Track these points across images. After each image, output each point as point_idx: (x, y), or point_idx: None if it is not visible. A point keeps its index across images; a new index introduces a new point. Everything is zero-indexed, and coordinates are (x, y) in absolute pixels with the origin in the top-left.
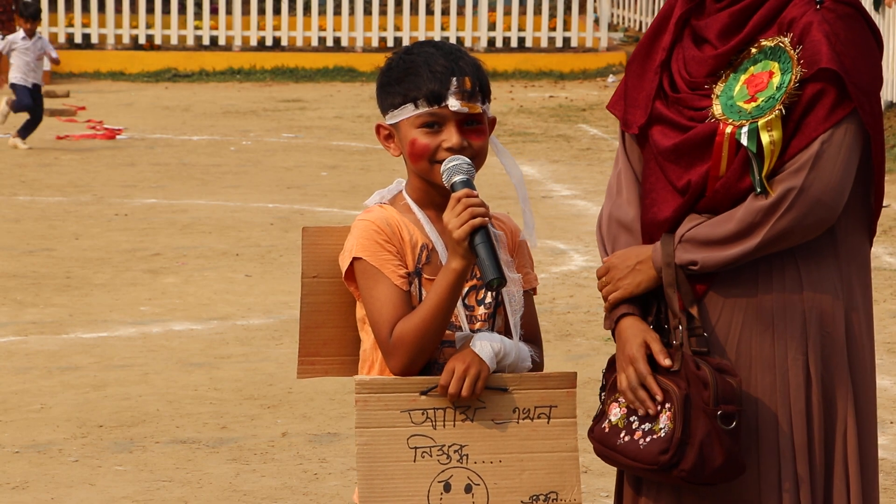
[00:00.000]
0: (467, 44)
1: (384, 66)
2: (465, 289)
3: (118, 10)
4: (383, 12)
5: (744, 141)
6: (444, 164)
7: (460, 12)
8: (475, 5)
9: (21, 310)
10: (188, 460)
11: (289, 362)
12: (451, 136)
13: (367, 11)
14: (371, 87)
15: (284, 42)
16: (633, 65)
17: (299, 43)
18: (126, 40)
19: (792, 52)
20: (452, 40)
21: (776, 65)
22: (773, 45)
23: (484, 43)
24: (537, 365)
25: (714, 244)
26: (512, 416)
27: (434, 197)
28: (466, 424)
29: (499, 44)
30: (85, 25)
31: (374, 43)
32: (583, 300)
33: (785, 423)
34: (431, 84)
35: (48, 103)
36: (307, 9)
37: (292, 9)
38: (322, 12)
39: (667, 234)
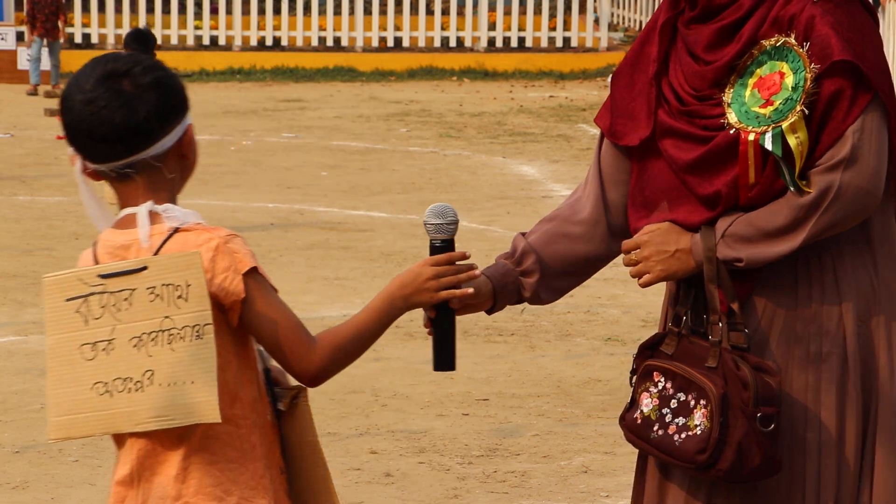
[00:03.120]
0: (467, 44)
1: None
2: None
3: (118, 10)
4: (383, 12)
5: (768, 146)
6: (429, 215)
7: (460, 12)
8: (475, 5)
9: (21, 310)
10: None
11: None
12: None
13: (367, 11)
14: (371, 87)
15: (284, 42)
16: (621, 77)
17: (299, 43)
18: None
19: (800, 50)
20: (452, 40)
21: (785, 64)
22: (776, 44)
23: (484, 43)
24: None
25: (759, 241)
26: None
27: None
28: None
29: (499, 44)
30: (85, 25)
31: (374, 43)
32: (583, 300)
33: (814, 421)
34: None
35: (48, 103)
36: (307, 9)
37: (292, 9)
38: (322, 12)
39: (706, 227)
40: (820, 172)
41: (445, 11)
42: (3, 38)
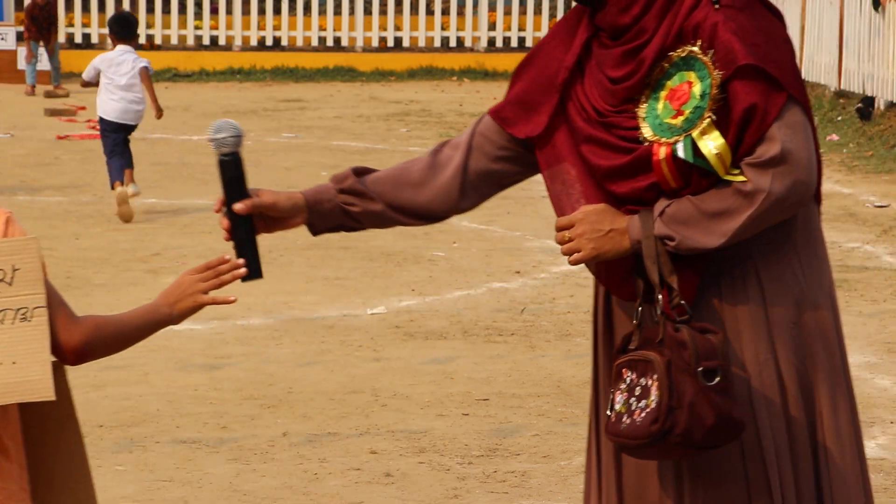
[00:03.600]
0: (467, 43)
1: None
2: None
3: (118, 10)
4: (383, 12)
5: (681, 154)
6: (211, 131)
7: (460, 12)
8: (475, 5)
9: None
10: (188, 460)
11: (289, 362)
12: None
13: (367, 11)
14: (371, 87)
15: (284, 42)
16: (527, 69)
17: (299, 43)
18: None
19: (704, 58)
20: (452, 40)
21: (692, 74)
22: (683, 55)
23: (484, 43)
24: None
25: (695, 222)
26: None
27: None
28: None
29: (499, 44)
30: (85, 25)
31: (374, 43)
32: (583, 300)
33: (766, 429)
34: None
35: (48, 103)
36: (307, 9)
37: (292, 9)
38: (322, 12)
39: (645, 209)
40: (753, 169)
41: (445, 11)
42: (3, 38)
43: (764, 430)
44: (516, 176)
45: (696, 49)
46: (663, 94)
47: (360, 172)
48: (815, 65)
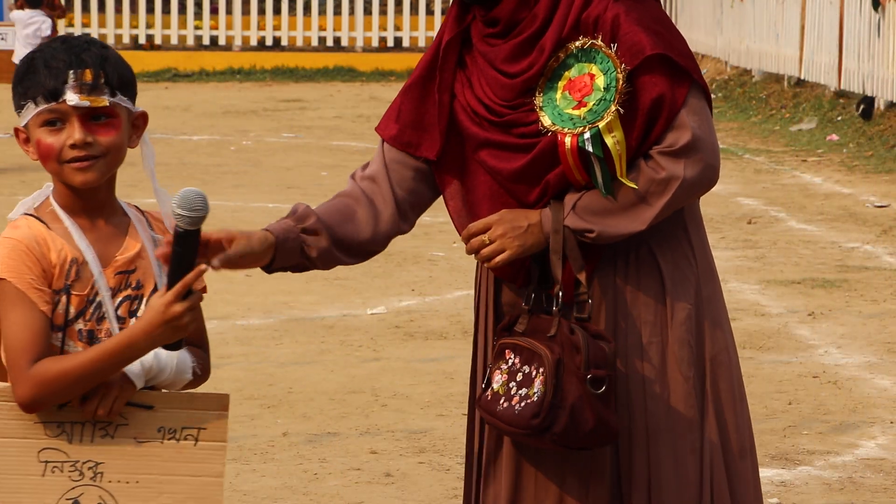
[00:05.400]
0: None
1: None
2: (119, 299)
3: (118, 10)
4: (383, 12)
5: (589, 147)
6: (178, 205)
7: None
8: None
9: None
10: None
11: (289, 362)
12: (73, 133)
13: (367, 11)
14: (371, 87)
15: (284, 42)
16: (414, 90)
17: (299, 43)
18: (126, 40)
19: (609, 51)
20: None
21: (594, 66)
22: (584, 46)
23: None
24: (199, 377)
25: (610, 213)
26: (156, 435)
27: (83, 203)
28: (105, 441)
29: None
30: (85, 25)
31: (374, 43)
32: None
33: (640, 409)
34: (48, 80)
35: None
36: (307, 9)
37: (292, 9)
38: (322, 12)
39: (555, 200)
40: (666, 157)
41: (445, 11)
42: (2, 38)
43: (636, 411)
44: (437, 191)
45: (598, 42)
46: (561, 84)
47: (310, 213)
48: (815, 65)
